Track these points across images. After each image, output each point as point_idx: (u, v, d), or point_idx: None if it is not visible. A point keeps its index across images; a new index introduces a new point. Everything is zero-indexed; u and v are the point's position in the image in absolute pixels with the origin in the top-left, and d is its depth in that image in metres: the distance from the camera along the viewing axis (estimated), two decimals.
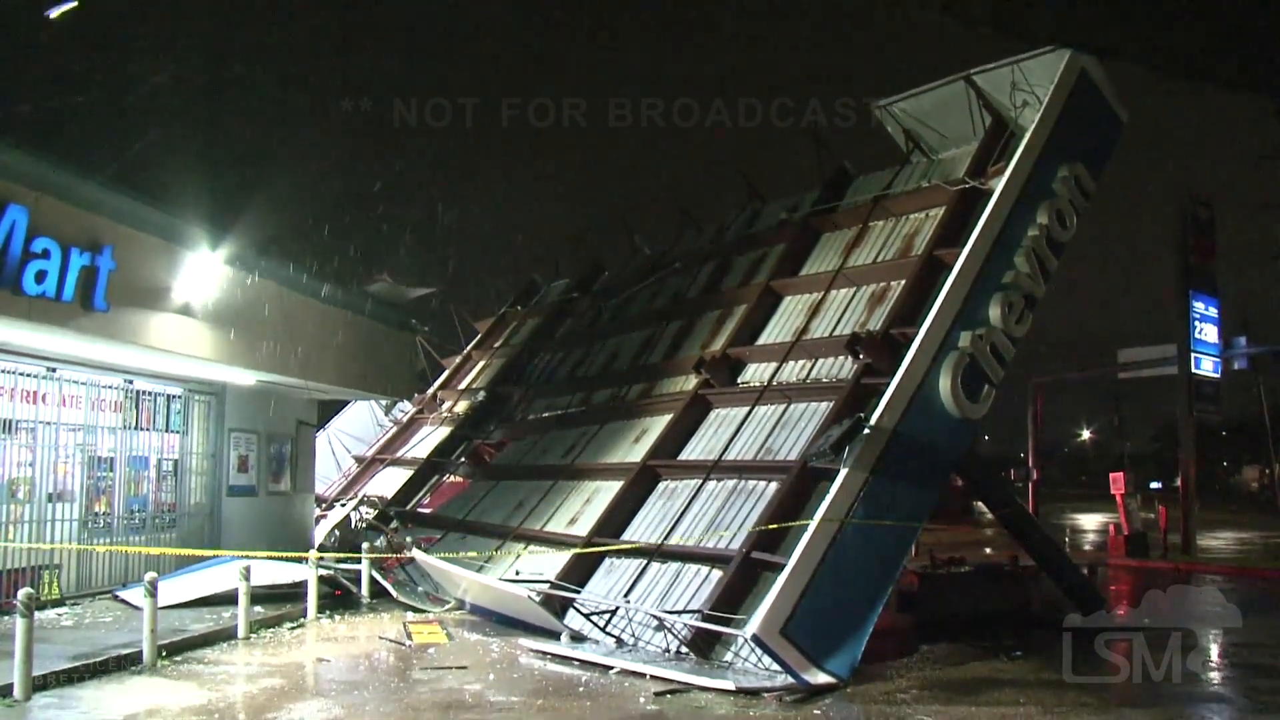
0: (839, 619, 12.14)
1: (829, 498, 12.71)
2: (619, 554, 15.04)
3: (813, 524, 12.49)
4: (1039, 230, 15.13)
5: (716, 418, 17.18)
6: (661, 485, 16.45)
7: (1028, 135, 15.55)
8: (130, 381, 17.65)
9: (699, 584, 13.82)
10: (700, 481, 15.59)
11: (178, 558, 17.47)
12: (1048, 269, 15.21)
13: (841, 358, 16.09)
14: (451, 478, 24.25)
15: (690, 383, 18.34)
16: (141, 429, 17.90)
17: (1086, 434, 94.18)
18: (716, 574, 13.65)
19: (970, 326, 14.20)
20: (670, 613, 13.10)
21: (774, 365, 16.94)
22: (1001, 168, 15.86)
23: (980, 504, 33.31)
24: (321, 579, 16.65)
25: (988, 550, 27.48)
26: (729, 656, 12.48)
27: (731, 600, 12.98)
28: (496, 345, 29.21)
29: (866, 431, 13.09)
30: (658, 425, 18.13)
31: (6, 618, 13.53)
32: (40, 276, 12.87)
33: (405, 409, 30.08)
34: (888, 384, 13.77)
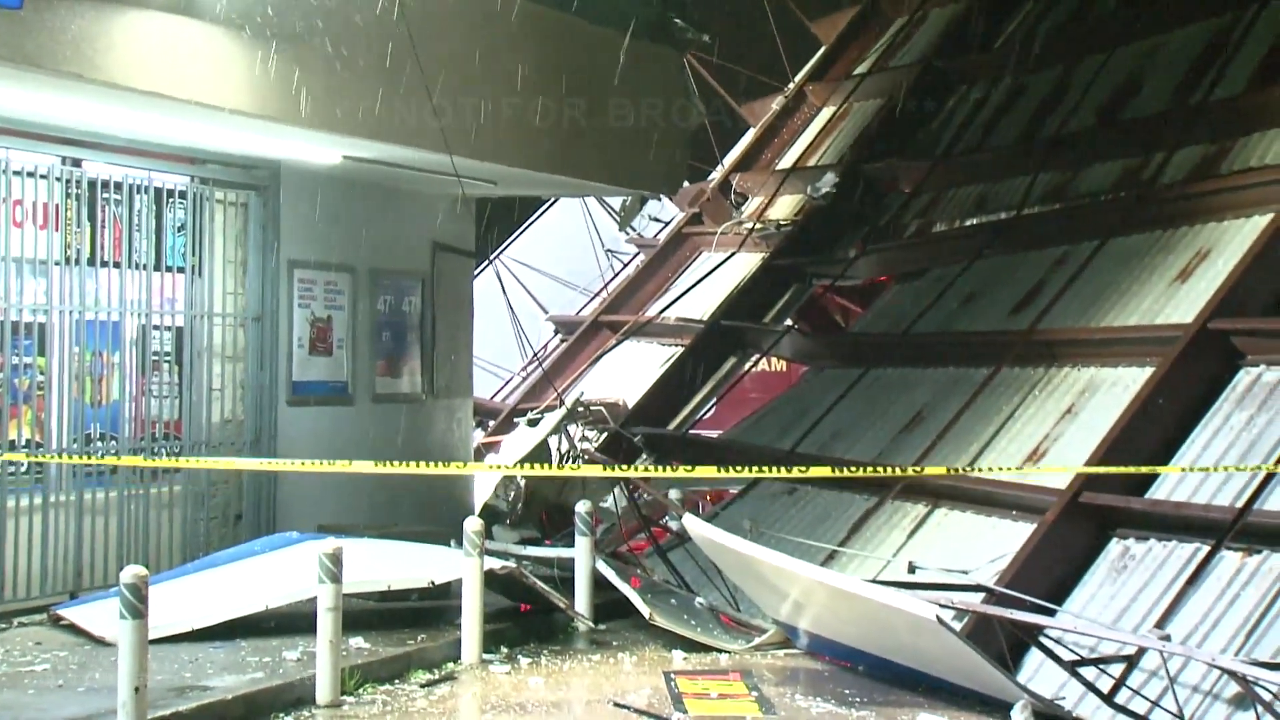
0: None
1: None
2: (1138, 527, 10.36)
3: None
4: None
5: None
6: (1243, 374, 10.83)
7: None
8: (76, 165, 11.27)
9: None
10: None
11: (183, 537, 11.44)
12: None
13: None
14: (764, 364, 17.49)
15: None
16: (102, 263, 11.37)
17: None
18: None
19: None
20: (1268, 665, 8.33)
21: None
22: None
23: None
24: (491, 578, 11.03)
25: None
26: None
27: None
28: (858, 73, 19.33)
29: None
30: (1234, 242, 11.94)
31: None
32: None
33: (661, 215, 21.91)
34: None
